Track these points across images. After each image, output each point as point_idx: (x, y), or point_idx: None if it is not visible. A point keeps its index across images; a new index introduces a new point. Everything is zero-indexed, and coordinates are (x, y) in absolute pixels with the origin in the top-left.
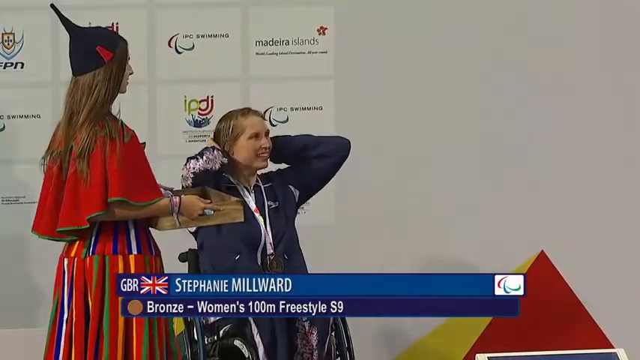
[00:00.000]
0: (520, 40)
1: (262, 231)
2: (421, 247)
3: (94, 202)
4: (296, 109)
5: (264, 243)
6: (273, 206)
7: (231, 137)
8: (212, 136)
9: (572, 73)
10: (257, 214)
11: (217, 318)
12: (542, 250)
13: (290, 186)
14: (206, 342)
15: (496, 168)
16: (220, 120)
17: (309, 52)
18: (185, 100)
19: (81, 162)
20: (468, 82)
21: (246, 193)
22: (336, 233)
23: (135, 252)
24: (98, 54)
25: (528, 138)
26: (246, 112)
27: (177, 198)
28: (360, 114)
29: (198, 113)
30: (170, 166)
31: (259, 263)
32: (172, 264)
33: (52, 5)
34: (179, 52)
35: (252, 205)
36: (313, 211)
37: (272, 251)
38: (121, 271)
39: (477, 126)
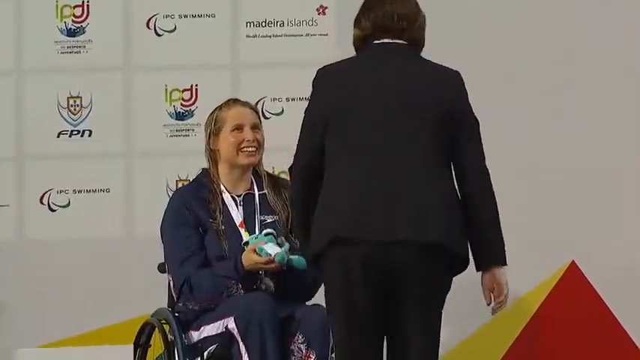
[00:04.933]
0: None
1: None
2: None
3: None
4: (292, 99)
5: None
6: (268, 221)
7: (214, 131)
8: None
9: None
10: (241, 230)
11: (201, 337)
12: (573, 260)
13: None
14: None
15: (520, 174)
16: (208, 116)
17: (308, 35)
18: (166, 90)
19: None
20: (487, 73)
21: (231, 202)
22: None
23: None
24: None
25: (559, 143)
26: (231, 102)
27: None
28: None
29: (181, 104)
30: (148, 164)
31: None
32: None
33: None
34: (159, 35)
35: (237, 219)
36: None
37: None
38: None
39: (501, 128)
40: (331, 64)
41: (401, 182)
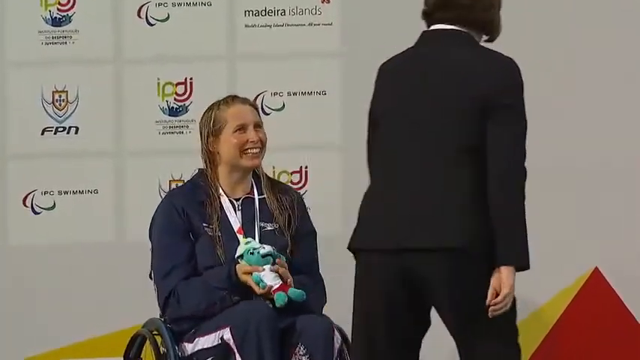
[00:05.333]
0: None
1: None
2: None
3: None
4: (294, 93)
5: None
6: (268, 228)
7: (213, 132)
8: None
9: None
10: (240, 236)
11: (196, 350)
12: (597, 267)
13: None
14: None
15: (541, 177)
16: (204, 112)
17: (311, 24)
18: (158, 84)
19: None
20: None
21: (229, 207)
22: (342, 240)
23: None
24: None
25: (582, 145)
26: (230, 100)
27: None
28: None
29: (175, 99)
30: (139, 163)
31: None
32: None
33: None
34: (151, 24)
35: (236, 224)
36: (319, 221)
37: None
38: None
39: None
40: (389, 59)
41: (423, 188)
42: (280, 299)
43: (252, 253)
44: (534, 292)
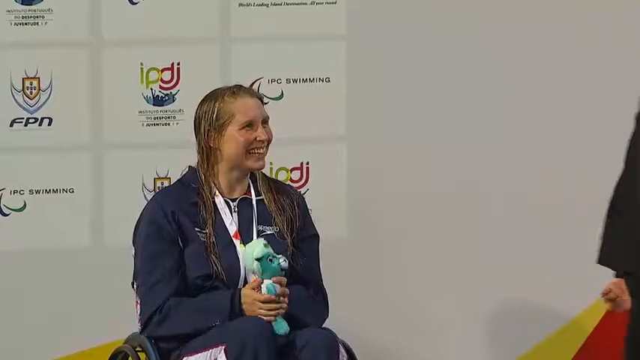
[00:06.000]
0: None
1: (241, 267)
2: (452, 263)
3: None
4: (294, 80)
5: (243, 284)
6: (267, 232)
7: (215, 126)
8: (193, 126)
9: None
10: (237, 242)
11: None
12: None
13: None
14: None
15: (591, 181)
16: (202, 102)
17: (313, 3)
18: (142, 69)
19: None
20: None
21: (225, 208)
22: (348, 245)
23: None
24: None
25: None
26: (236, 91)
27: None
28: (380, 87)
29: (160, 87)
30: (120, 159)
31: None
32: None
33: None
34: (133, 3)
35: (232, 228)
36: (324, 222)
37: None
38: None
39: (542, 123)
40: None
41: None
42: (281, 328)
43: (270, 260)
44: (570, 302)
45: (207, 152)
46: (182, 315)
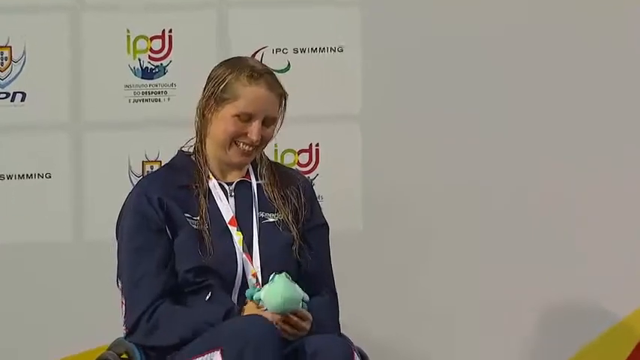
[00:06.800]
0: None
1: (239, 258)
2: (465, 258)
3: None
4: (302, 50)
5: (241, 278)
6: (270, 220)
7: (217, 97)
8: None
9: None
10: (233, 229)
11: None
12: None
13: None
14: None
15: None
16: (222, 64)
17: None
18: (128, 37)
19: None
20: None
21: (220, 193)
22: (364, 241)
23: None
24: None
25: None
26: (258, 77)
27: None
28: (401, 59)
29: (149, 57)
30: (104, 140)
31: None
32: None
33: None
34: None
35: (228, 214)
36: (339, 216)
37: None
38: None
39: (568, 119)
40: None
41: None
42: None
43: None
44: (616, 305)
45: (201, 120)
46: (175, 325)
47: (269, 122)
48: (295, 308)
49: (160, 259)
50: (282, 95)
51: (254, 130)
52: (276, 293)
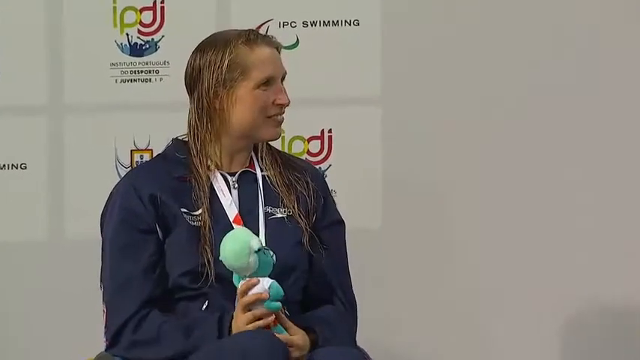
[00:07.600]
0: None
1: None
2: (480, 254)
3: None
4: (312, 23)
5: None
6: (278, 215)
7: (224, 82)
8: (186, 79)
9: None
10: (237, 227)
11: None
12: None
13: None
14: None
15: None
16: (203, 48)
17: None
18: (115, 8)
19: None
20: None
21: (222, 185)
22: (382, 237)
23: None
24: None
25: None
26: (253, 38)
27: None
28: (424, 35)
29: (139, 32)
30: (87, 126)
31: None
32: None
33: None
34: None
35: (232, 212)
36: (357, 213)
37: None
38: None
39: (581, 115)
40: None
41: None
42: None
43: (264, 253)
44: None
45: (210, 114)
46: (164, 340)
47: (283, 79)
48: (244, 262)
49: (147, 262)
50: (279, 48)
51: (279, 92)
52: (240, 247)
